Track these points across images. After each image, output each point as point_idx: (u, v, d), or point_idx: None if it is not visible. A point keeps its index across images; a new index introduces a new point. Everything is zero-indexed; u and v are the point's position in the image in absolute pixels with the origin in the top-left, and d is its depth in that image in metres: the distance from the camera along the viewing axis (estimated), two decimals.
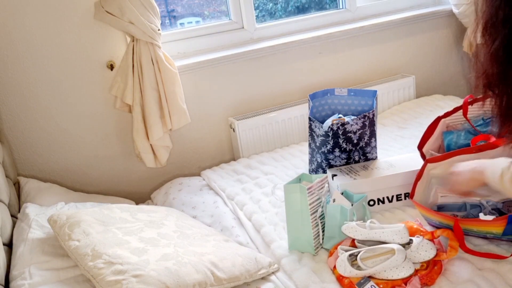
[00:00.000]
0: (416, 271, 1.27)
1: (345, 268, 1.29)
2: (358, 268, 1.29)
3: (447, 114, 1.69)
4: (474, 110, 1.68)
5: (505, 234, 1.28)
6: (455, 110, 1.69)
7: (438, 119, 1.67)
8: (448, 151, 1.59)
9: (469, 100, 1.66)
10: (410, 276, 1.24)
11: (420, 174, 1.49)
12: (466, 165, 1.33)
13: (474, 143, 1.55)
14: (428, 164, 1.49)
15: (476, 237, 1.38)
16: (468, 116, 1.66)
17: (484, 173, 1.24)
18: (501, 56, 0.94)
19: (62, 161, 2.05)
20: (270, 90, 2.39)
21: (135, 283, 1.16)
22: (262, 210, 1.73)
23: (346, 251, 1.34)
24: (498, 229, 1.27)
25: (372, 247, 1.31)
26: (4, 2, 1.80)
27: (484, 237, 1.35)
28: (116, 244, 1.30)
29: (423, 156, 1.63)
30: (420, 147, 1.65)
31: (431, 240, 1.32)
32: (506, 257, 1.28)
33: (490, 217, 1.26)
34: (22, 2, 1.83)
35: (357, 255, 1.31)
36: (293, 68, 2.42)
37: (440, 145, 1.68)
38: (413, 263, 1.28)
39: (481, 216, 1.29)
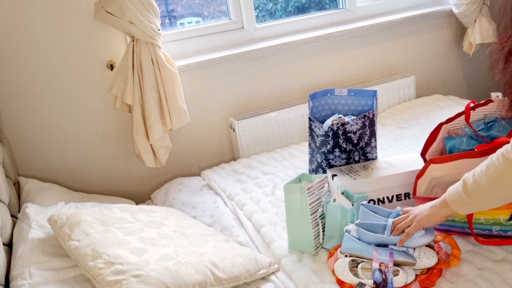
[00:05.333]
0: (416, 276, 1.27)
1: (342, 271, 1.28)
2: (356, 275, 1.28)
3: (449, 120, 1.69)
4: (475, 115, 1.68)
5: None
6: (457, 116, 1.68)
7: (440, 125, 1.66)
8: None
9: (471, 106, 1.66)
10: (411, 283, 1.24)
11: (421, 172, 1.48)
12: (420, 208, 1.28)
13: None
14: (431, 165, 1.48)
15: (479, 235, 1.38)
16: (469, 121, 1.65)
17: (445, 200, 1.19)
18: None
19: (62, 161, 2.05)
20: (270, 90, 2.39)
21: (135, 283, 1.16)
22: (262, 210, 1.73)
23: (350, 256, 1.33)
24: (506, 213, 1.27)
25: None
26: (4, 3, 1.80)
27: (489, 233, 1.35)
28: (116, 244, 1.30)
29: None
30: (423, 153, 1.64)
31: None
32: None
33: None
34: (22, 2, 1.83)
35: (359, 263, 1.31)
36: (293, 68, 2.42)
37: (441, 150, 1.67)
38: (414, 269, 1.28)
39: None
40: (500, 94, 1.62)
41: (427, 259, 1.27)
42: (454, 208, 1.17)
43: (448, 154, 1.61)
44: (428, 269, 1.28)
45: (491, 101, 1.65)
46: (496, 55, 1.15)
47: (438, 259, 1.28)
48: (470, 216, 1.31)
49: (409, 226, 1.27)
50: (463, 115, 1.67)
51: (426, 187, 1.50)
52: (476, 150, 1.45)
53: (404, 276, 1.23)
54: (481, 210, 1.16)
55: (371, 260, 1.28)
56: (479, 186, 1.10)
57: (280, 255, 1.47)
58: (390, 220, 1.31)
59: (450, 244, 1.31)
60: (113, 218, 1.46)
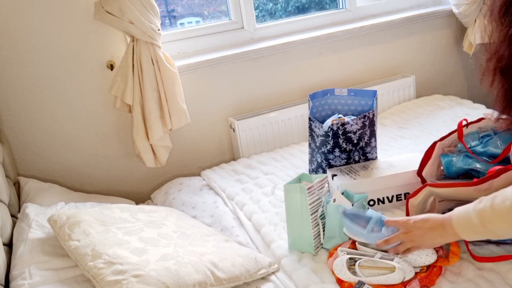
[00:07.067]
0: (416, 273, 1.27)
1: (341, 269, 1.29)
2: (354, 273, 1.28)
3: (443, 138, 1.69)
4: (469, 129, 1.66)
5: None
6: (450, 133, 1.68)
7: (434, 144, 1.66)
8: (448, 173, 1.57)
9: (463, 124, 1.65)
10: (410, 280, 1.24)
11: (415, 193, 1.47)
12: (415, 222, 1.21)
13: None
14: (428, 187, 1.46)
15: (477, 240, 1.38)
16: (464, 134, 1.64)
17: (451, 221, 1.12)
18: None
19: (62, 161, 2.05)
20: (270, 90, 2.39)
21: (135, 283, 1.16)
22: (262, 210, 1.73)
23: (348, 253, 1.33)
24: None
25: (374, 258, 1.30)
26: (4, 3, 1.80)
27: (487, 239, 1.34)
28: (116, 244, 1.30)
29: (423, 181, 1.62)
30: (419, 172, 1.63)
31: None
32: None
33: None
34: (22, 2, 1.83)
35: (357, 261, 1.31)
36: (293, 68, 2.42)
37: (438, 166, 1.66)
38: (414, 266, 1.28)
39: None
40: (493, 112, 1.60)
41: (427, 256, 1.27)
42: (459, 232, 1.10)
43: (444, 172, 1.60)
44: (428, 267, 1.28)
45: (483, 118, 1.64)
46: (485, 65, 1.11)
47: (438, 257, 1.28)
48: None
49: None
50: (456, 133, 1.66)
51: (420, 200, 1.47)
52: (474, 180, 1.43)
53: (401, 273, 1.23)
54: (493, 237, 1.07)
55: (370, 257, 1.29)
56: (504, 208, 0.99)
57: (280, 255, 1.47)
58: (383, 232, 1.30)
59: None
60: (113, 218, 1.46)
